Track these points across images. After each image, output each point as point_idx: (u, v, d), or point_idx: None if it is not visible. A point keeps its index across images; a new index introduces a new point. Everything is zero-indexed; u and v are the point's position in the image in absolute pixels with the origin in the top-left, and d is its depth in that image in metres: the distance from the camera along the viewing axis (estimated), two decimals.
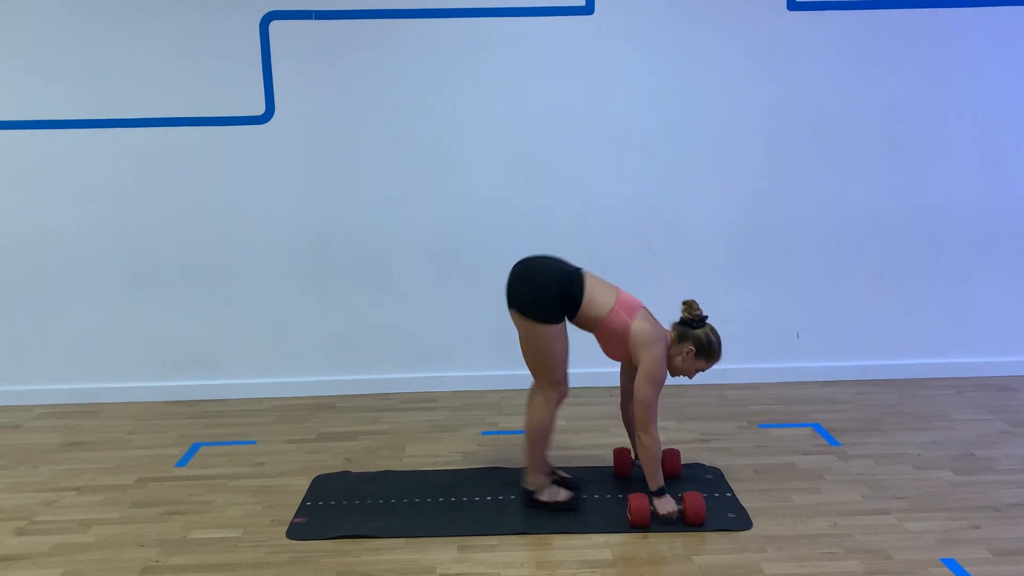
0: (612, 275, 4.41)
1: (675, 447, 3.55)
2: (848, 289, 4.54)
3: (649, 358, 3.05)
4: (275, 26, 4.22)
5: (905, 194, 4.44)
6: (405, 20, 4.23)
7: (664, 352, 3.09)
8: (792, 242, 4.49)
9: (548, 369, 3.11)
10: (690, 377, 3.22)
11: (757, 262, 4.51)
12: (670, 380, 3.18)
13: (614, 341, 3.15)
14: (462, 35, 4.25)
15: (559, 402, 3.16)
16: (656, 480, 3.08)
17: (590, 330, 3.19)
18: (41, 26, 4.18)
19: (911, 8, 4.26)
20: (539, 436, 3.16)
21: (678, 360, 3.16)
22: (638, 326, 3.10)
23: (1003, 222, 4.48)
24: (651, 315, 3.20)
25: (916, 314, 4.57)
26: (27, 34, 4.19)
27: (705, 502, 3.09)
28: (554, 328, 3.07)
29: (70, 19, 4.18)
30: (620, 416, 3.48)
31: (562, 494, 3.20)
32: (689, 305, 3.22)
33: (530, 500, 3.20)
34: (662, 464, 3.17)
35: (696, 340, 3.13)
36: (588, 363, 4.59)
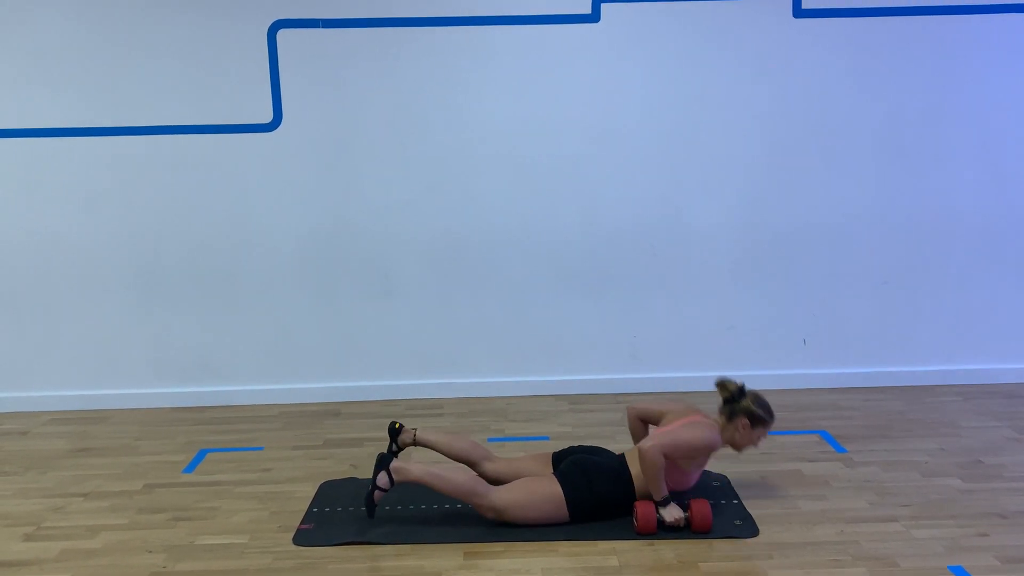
0: (616, 280, 4.47)
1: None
2: (854, 295, 4.53)
3: (689, 436, 3.11)
4: (283, 34, 4.24)
5: (911, 200, 4.44)
6: (412, 28, 4.24)
7: (713, 434, 3.13)
8: (798, 248, 4.49)
9: (518, 508, 3.07)
10: (756, 447, 3.25)
11: (762, 268, 4.51)
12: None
13: (670, 477, 3.13)
14: (469, 43, 4.27)
15: (481, 509, 3.10)
16: (660, 491, 3.07)
17: None
18: (49, 35, 4.21)
19: (916, 16, 4.26)
20: (446, 488, 3.09)
21: (738, 437, 3.19)
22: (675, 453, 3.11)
23: (1009, 227, 4.47)
24: (684, 417, 3.21)
25: (923, 320, 4.56)
26: (35, 43, 4.21)
27: (712, 509, 3.08)
28: (565, 513, 3.10)
29: (78, 28, 4.20)
30: (623, 422, 3.47)
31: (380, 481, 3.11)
32: (722, 385, 3.24)
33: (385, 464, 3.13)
34: (694, 513, 3.07)
35: (747, 412, 3.16)
36: (592, 370, 4.61)
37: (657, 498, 3.07)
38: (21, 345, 4.50)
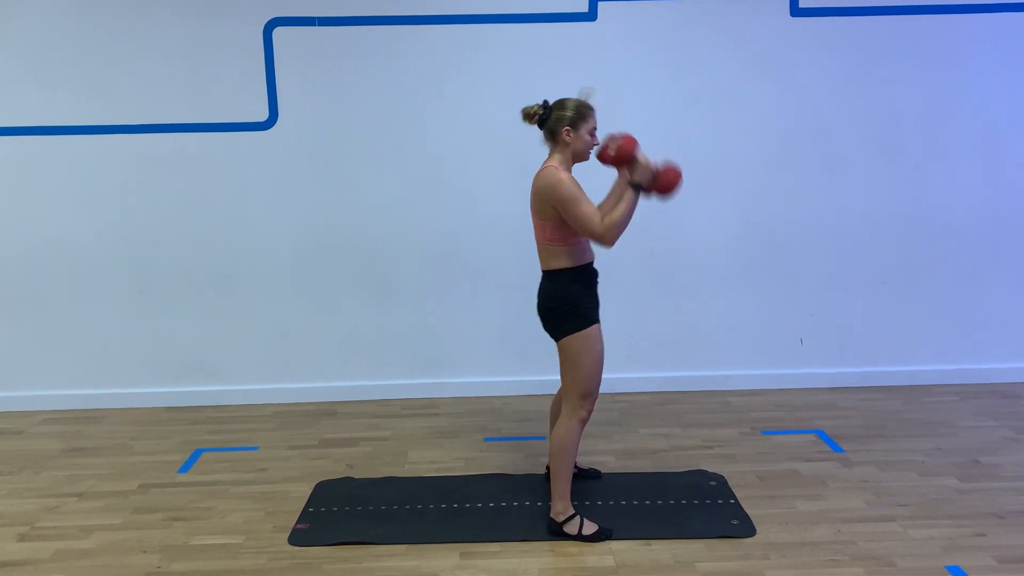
0: (614, 281, 4.46)
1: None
2: (851, 295, 4.53)
3: (550, 192, 2.93)
4: (278, 32, 4.23)
5: (907, 200, 4.44)
6: (408, 27, 4.24)
7: (554, 174, 2.94)
8: (795, 248, 4.48)
9: (578, 382, 3.02)
10: (589, 156, 3.08)
11: (760, 268, 4.50)
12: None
13: (563, 231, 3.01)
14: (465, 41, 4.26)
15: (582, 425, 3.05)
16: (636, 183, 2.96)
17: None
18: (45, 33, 4.19)
19: (912, 15, 4.26)
20: (563, 458, 3.02)
21: (568, 152, 3.02)
22: (535, 212, 3.01)
23: (1006, 227, 4.47)
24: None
25: (919, 320, 4.56)
26: (31, 41, 4.20)
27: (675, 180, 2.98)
28: (588, 333, 3.01)
29: (74, 26, 4.19)
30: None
31: (587, 528, 3.05)
32: (525, 114, 3.08)
33: (556, 531, 3.07)
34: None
35: (560, 120, 2.99)
36: None
37: (636, 180, 2.97)
38: (16, 344, 4.48)
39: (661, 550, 2.95)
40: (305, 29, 4.22)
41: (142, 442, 4.07)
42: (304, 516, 3.25)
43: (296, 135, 4.32)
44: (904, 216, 4.45)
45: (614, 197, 3.10)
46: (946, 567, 2.80)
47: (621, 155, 2.99)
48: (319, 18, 4.21)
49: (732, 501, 3.29)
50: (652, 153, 4.37)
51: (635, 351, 4.57)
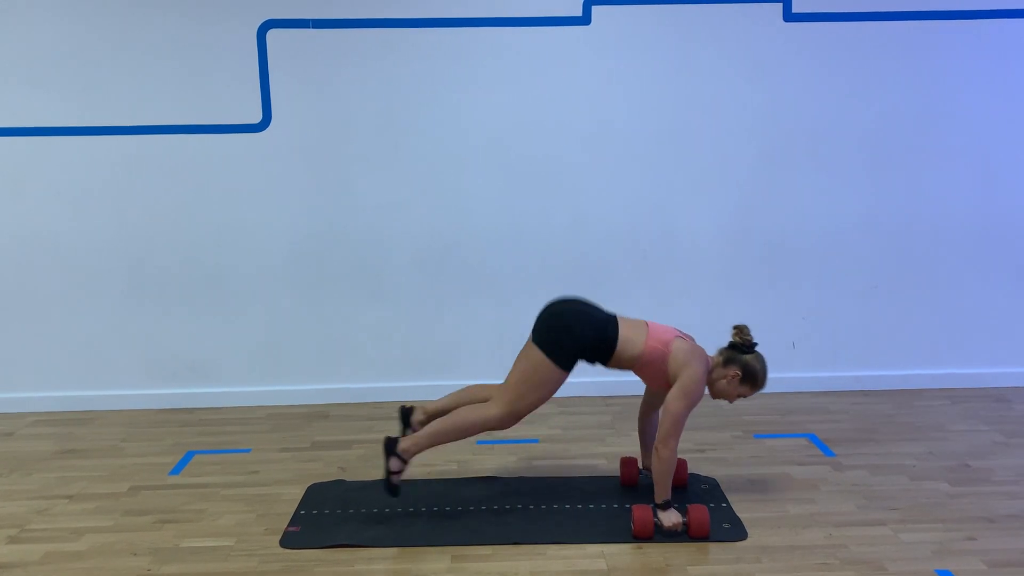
0: (606, 283, 4.47)
1: (682, 456, 3.51)
2: (843, 299, 4.54)
3: (687, 374, 3.05)
4: (272, 35, 4.22)
5: (899, 204, 4.46)
6: (402, 30, 4.24)
7: (703, 370, 3.09)
8: (787, 252, 4.50)
9: (520, 398, 3.08)
10: (731, 401, 3.23)
11: (752, 272, 4.51)
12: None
13: (653, 371, 3.13)
14: (459, 45, 4.26)
15: (495, 427, 3.11)
16: (665, 493, 3.06)
17: (627, 369, 3.18)
18: (37, 33, 4.18)
19: (905, 20, 4.28)
20: (455, 428, 3.10)
21: (722, 383, 3.15)
22: (676, 347, 3.10)
23: (998, 232, 4.49)
24: (688, 337, 3.20)
25: (911, 324, 4.58)
26: (23, 41, 4.19)
27: (710, 515, 3.07)
28: (559, 373, 3.08)
29: (67, 27, 4.18)
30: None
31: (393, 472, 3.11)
32: (740, 330, 3.20)
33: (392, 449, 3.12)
34: (691, 518, 3.05)
35: (744, 366, 3.13)
36: (584, 373, 4.59)
37: (659, 500, 3.06)
38: (7, 345, 4.47)
39: (653, 553, 2.95)
40: (299, 32, 4.22)
41: (133, 444, 4.06)
42: (296, 519, 3.24)
43: (289, 137, 4.32)
44: (896, 220, 4.47)
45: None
46: (937, 571, 2.80)
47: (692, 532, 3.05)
48: (313, 20, 4.21)
49: (724, 504, 3.29)
50: (644, 158, 4.40)
51: None
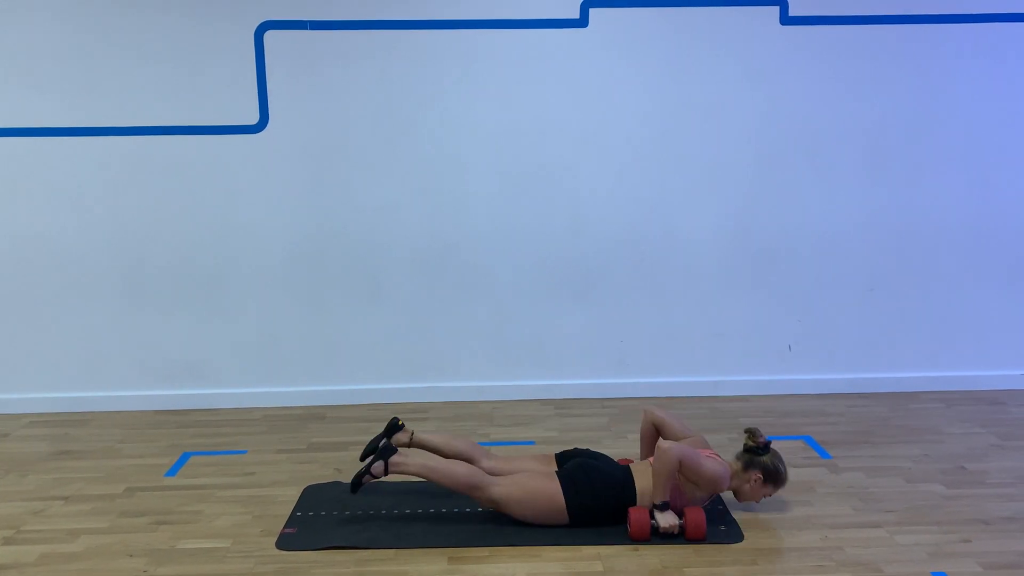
0: (604, 285, 4.47)
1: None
2: (839, 301, 4.55)
3: (711, 470, 3.08)
4: (269, 36, 4.22)
5: (896, 207, 4.46)
6: (400, 31, 4.24)
7: (726, 471, 3.12)
8: (784, 254, 4.50)
9: (518, 504, 3.08)
10: (757, 502, 3.23)
11: (749, 274, 4.52)
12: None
13: (672, 496, 3.11)
14: (457, 47, 4.26)
15: (479, 496, 3.12)
16: (662, 494, 3.06)
17: None
18: (34, 34, 4.18)
19: (902, 24, 4.29)
20: (444, 480, 3.12)
21: (746, 488, 3.18)
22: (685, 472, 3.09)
23: (994, 235, 4.50)
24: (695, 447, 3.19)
25: (907, 327, 4.58)
26: (20, 42, 4.18)
27: (706, 517, 3.07)
28: (565, 519, 3.10)
29: (63, 27, 4.18)
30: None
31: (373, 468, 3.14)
32: (752, 433, 3.22)
33: (387, 453, 3.15)
34: (688, 520, 3.05)
35: (764, 468, 3.16)
36: (579, 375, 4.61)
37: (657, 501, 3.07)
38: (3, 346, 4.46)
39: (649, 555, 2.96)
40: (296, 33, 4.22)
41: (129, 445, 4.05)
42: (292, 520, 3.23)
43: (287, 138, 4.32)
44: (892, 223, 4.48)
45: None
46: (932, 573, 2.81)
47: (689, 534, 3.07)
48: (310, 22, 4.21)
49: (720, 507, 3.29)
50: (642, 161, 4.41)
51: (625, 356, 4.57)
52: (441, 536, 3.09)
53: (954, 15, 4.28)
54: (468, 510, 3.29)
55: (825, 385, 4.62)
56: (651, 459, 3.18)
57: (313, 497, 3.43)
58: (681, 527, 3.04)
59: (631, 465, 3.25)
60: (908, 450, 3.84)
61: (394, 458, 3.14)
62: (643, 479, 3.14)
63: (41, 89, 4.22)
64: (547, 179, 4.40)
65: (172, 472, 3.74)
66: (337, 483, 3.56)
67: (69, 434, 4.21)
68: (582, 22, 4.26)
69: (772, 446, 3.21)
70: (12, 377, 4.49)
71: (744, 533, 3.08)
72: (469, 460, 3.26)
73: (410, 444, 3.34)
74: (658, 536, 3.03)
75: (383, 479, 3.18)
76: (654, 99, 4.35)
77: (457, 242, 4.45)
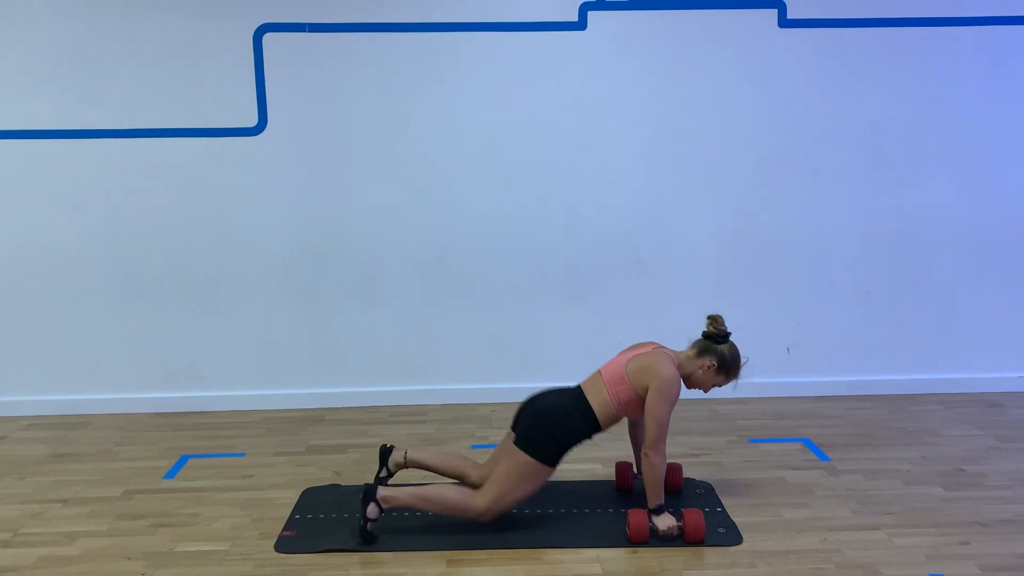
0: (601, 288, 4.48)
1: (677, 461, 3.53)
2: (838, 304, 4.56)
3: (658, 379, 3.04)
4: (268, 38, 4.23)
5: (894, 209, 4.47)
6: (398, 34, 4.24)
7: (671, 368, 3.08)
8: (782, 256, 4.51)
9: (504, 494, 3.06)
10: (706, 391, 3.24)
11: (747, 276, 4.52)
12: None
13: (633, 407, 3.13)
14: (455, 49, 4.27)
15: (474, 517, 3.08)
16: (657, 497, 3.07)
17: (619, 420, 3.18)
18: (32, 36, 4.18)
19: (900, 27, 4.30)
20: (435, 508, 3.09)
21: (698, 374, 3.17)
22: (631, 371, 3.10)
23: (992, 237, 4.51)
24: (638, 352, 3.18)
25: (905, 329, 4.59)
26: (19, 44, 4.18)
27: (705, 519, 3.07)
28: (546, 470, 3.08)
29: (62, 29, 4.18)
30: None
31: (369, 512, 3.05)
32: (714, 320, 3.22)
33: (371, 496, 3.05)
34: (687, 522, 3.04)
35: (719, 355, 3.15)
36: (576, 378, 4.60)
37: (652, 504, 3.07)
38: (1, 348, 4.45)
39: (648, 558, 2.96)
40: (295, 35, 4.23)
41: (128, 448, 4.05)
42: (290, 523, 3.23)
43: (285, 141, 4.32)
44: (890, 226, 4.48)
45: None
46: (931, 575, 2.81)
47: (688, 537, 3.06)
48: (309, 24, 4.22)
49: (719, 509, 3.29)
50: (640, 164, 4.41)
51: None
52: (439, 539, 3.09)
53: (953, 18, 4.29)
54: None
55: (823, 387, 4.62)
56: (603, 373, 3.17)
57: (312, 500, 3.43)
58: (680, 529, 3.04)
59: (582, 384, 3.20)
60: (906, 452, 3.84)
61: (381, 494, 3.05)
62: (595, 394, 3.12)
63: (40, 91, 4.22)
64: (545, 181, 4.40)
65: (171, 475, 3.73)
66: (336, 486, 3.56)
67: (67, 436, 4.20)
68: (580, 25, 4.27)
69: (730, 336, 3.19)
70: (10, 379, 4.49)
71: (743, 535, 3.09)
72: (461, 474, 3.25)
73: (405, 464, 3.32)
74: (657, 539, 3.03)
75: (379, 518, 3.09)
76: (653, 102, 4.35)
77: (455, 244, 4.45)
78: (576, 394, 3.17)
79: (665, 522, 3.03)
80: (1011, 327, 4.60)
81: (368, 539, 3.04)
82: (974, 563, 2.88)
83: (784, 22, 4.28)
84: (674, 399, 3.07)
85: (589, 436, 3.15)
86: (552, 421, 3.10)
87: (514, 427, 3.17)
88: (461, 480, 3.25)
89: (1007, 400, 4.50)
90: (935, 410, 4.38)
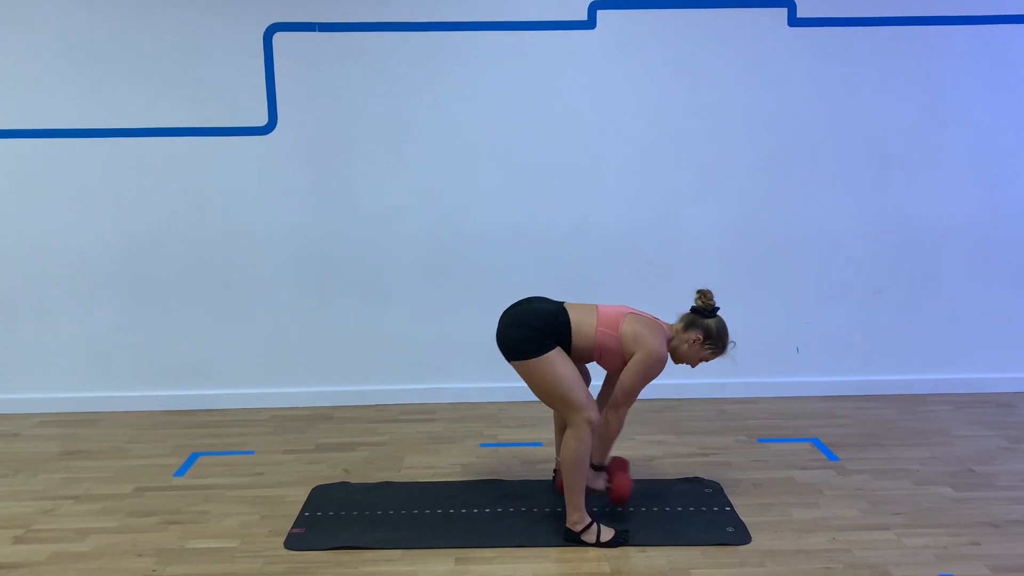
0: (608, 287, 4.47)
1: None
2: (847, 304, 4.55)
3: (645, 353, 3.03)
4: (278, 37, 4.24)
5: (902, 209, 4.46)
6: (408, 33, 4.25)
7: (660, 342, 3.06)
8: (791, 256, 4.50)
9: (563, 398, 3.01)
10: (693, 366, 3.23)
11: (756, 276, 4.52)
12: (671, 369, 3.19)
13: (611, 357, 3.11)
14: (464, 49, 4.27)
15: (591, 429, 3.01)
16: (602, 456, 3.17)
17: (588, 360, 3.17)
18: (44, 36, 4.20)
19: (908, 25, 4.28)
20: (576, 470, 3.01)
21: (684, 348, 3.15)
22: (626, 327, 3.08)
23: (1001, 237, 4.49)
24: (640, 314, 3.18)
25: (915, 329, 4.58)
26: (30, 44, 4.20)
27: (631, 484, 3.18)
28: (548, 356, 3.00)
29: (73, 29, 4.20)
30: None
31: (605, 534, 3.05)
32: (703, 294, 3.20)
33: (574, 539, 3.06)
34: (614, 484, 3.15)
35: (705, 329, 3.13)
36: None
37: (596, 461, 3.17)
38: (13, 347, 4.48)
39: (657, 557, 2.96)
40: (305, 35, 4.24)
41: (138, 445, 4.07)
42: (300, 520, 3.25)
43: (295, 140, 4.33)
44: (900, 225, 4.47)
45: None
46: None
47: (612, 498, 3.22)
48: (319, 24, 4.23)
49: (728, 508, 3.29)
50: (648, 163, 4.41)
51: None
52: (448, 536, 3.10)
53: (963, 17, 4.27)
54: (475, 511, 3.30)
55: (833, 387, 4.61)
56: (599, 309, 3.14)
57: (321, 497, 3.44)
58: (608, 490, 3.18)
59: (565, 303, 3.16)
60: (916, 452, 3.83)
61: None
62: (577, 313, 3.09)
63: (50, 91, 4.25)
64: (553, 180, 4.41)
65: (181, 472, 3.75)
66: (345, 483, 3.57)
67: (78, 434, 4.23)
68: (590, 23, 4.27)
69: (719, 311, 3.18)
70: (22, 377, 4.52)
71: (752, 535, 3.08)
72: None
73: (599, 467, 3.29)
74: (656, 540, 3.06)
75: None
76: (661, 101, 4.35)
77: (463, 243, 4.46)
78: (558, 305, 3.13)
79: (596, 481, 3.17)
80: (1021, 327, 4.58)
81: (622, 536, 3.08)
82: (984, 564, 2.87)
83: (794, 21, 4.27)
84: (653, 376, 3.06)
85: (559, 339, 3.05)
86: (532, 312, 3.07)
87: (501, 350, 3.14)
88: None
89: (1018, 400, 4.49)
90: (944, 410, 4.37)
